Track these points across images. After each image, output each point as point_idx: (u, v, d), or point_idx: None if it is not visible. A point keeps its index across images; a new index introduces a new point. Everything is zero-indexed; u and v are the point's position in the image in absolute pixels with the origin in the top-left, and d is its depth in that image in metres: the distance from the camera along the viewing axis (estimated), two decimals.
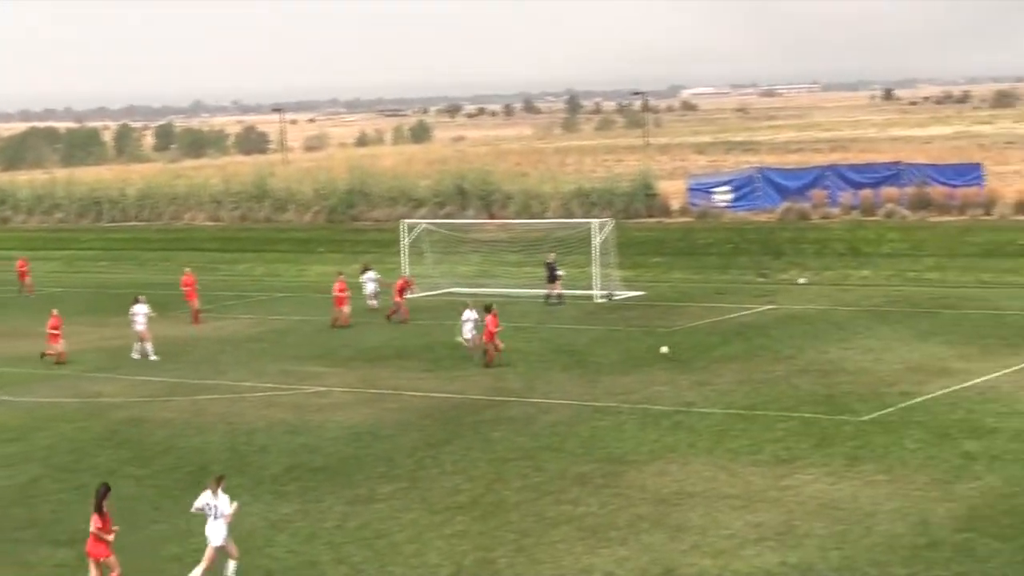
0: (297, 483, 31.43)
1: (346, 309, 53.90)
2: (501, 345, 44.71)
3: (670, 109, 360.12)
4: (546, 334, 50.66)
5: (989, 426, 34.11)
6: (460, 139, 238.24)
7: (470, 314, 45.81)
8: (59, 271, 79.74)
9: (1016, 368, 41.03)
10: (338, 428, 36.90)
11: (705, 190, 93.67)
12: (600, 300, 58.40)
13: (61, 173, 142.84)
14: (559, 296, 57.49)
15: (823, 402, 37.54)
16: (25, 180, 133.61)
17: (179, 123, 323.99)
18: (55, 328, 48.23)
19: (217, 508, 24.85)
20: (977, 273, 62.03)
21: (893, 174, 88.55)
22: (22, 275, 69.35)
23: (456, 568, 25.50)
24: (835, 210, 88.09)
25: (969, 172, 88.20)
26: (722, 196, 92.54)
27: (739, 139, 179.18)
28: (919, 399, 37.41)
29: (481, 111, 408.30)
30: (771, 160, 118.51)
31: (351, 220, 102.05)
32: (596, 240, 60.16)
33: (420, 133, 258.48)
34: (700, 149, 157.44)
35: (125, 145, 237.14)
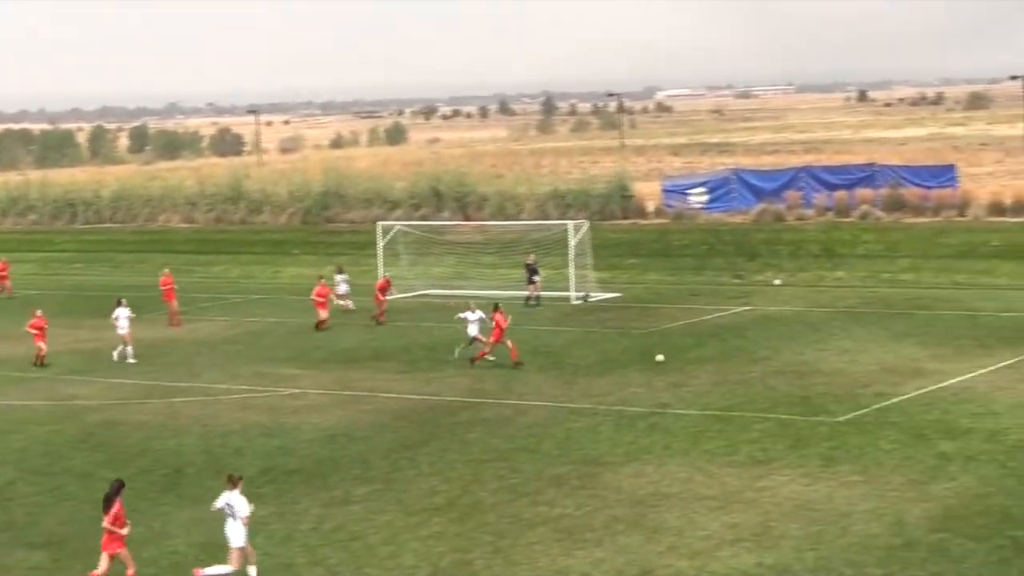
0: (272, 485, 31.35)
1: (323, 313, 53.69)
2: (511, 343, 44.51)
3: (645, 111, 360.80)
4: (522, 335, 50.56)
5: (964, 427, 34.23)
6: (435, 141, 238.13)
7: (470, 315, 45.60)
8: (33, 273, 79.41)
9: (990, 369, 41.20)
10: (313, 430, 36.84)
11: (680, 191, 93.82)
12: (576, 302, 58.43)
13: (35, 175, 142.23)
14: (536, 298, 57.48)
15: (799, 403, 37.62)
16: None
17: (154, 125, 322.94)
18: (38, 328, 48.01)
19: (234, 509, 24.77)
20: (951, 274, 62.27)
21: (867, 175, 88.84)
22: (1, 277, 69.03)
23: (432, 570, 25.48)
24: (810, 211, 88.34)
25: (943, 174, 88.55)
26: (697, 197, 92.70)
27: (714, 140, 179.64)
28: (894, 400, 37.53)
29: (456, 113, 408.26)
30: (746, 161, 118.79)
31: (326, 222, 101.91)
32: (572, 242, 60.18)
33: (395, 135, 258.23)
34: (675, 151, 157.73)
35: (99, 147, 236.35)
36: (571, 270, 59.59)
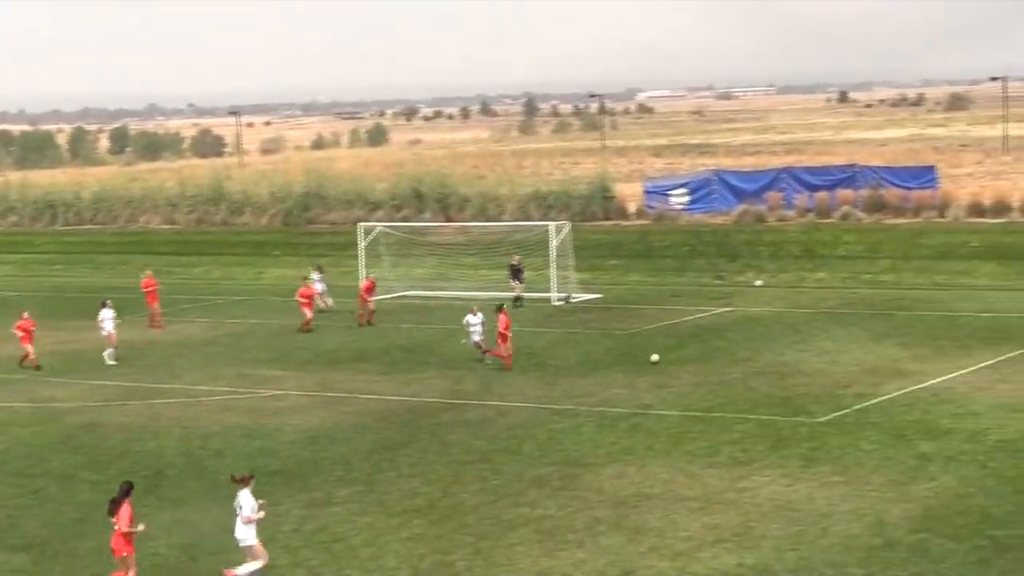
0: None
1: (308, 314, 53.55)
2: (498, 351, 44.50)
3: (627, 112, 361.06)
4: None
5: (944, 427, 34.34)
6: (417, 142, 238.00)
7: (472, 318, 45.48)
8: (13, 275, 79.21)
9: (970, 369, 41.33)
10: (295, 431, 36.80)
11: (662, 192, 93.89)
12: (557, 303, 58.45)
13: (15, 176, 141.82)
14: (518, 298, 57.46)
15: (779, 404, 37.69)
16: None
17: (134, 126, 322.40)
18: (24, 330, 47.82)
19: (240, 507, 24.86)
20: (931, 275, 62.45)
21: (848, 176, 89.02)
22: None
23: (413, 571, 25.47)
24: (791, 212, 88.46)
25: (923, 175, 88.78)
26: (678, 199, 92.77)
27: (695, 142, 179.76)
28: (874, 400, 37.63)
29: (438, 114, 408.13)
30: (727, 163, 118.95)
31: (307, 223, 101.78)
32: (553, 243, 60.21)
33: (377, 136, 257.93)
34: (657, 152, 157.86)
35: (80, 148, 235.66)
36: (553, 271, 59.61)
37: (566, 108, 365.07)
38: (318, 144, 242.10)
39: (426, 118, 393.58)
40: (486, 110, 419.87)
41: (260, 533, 25.23)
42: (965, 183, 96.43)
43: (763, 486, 29.79)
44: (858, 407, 36.90)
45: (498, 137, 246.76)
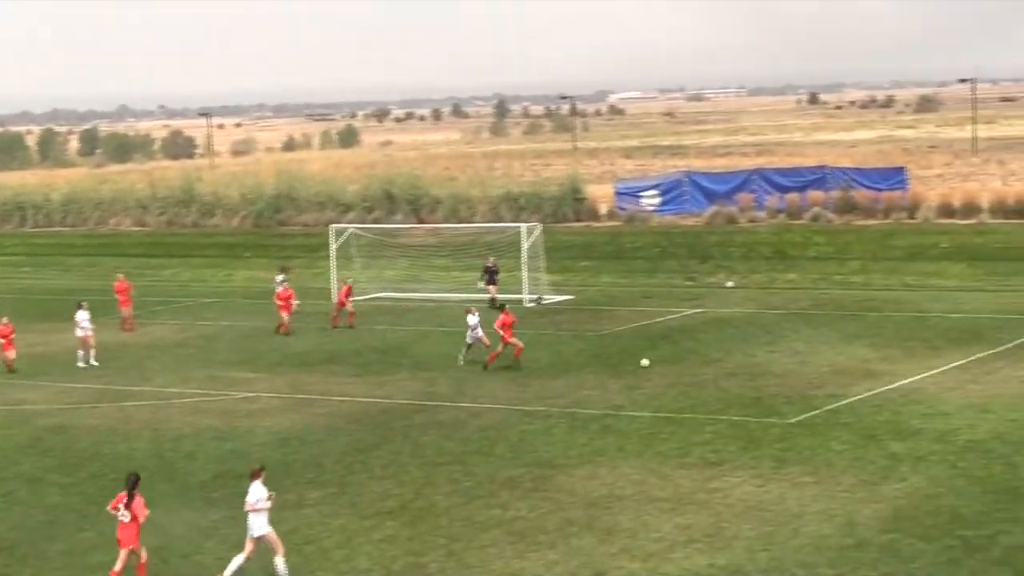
0: (225, 489, 31.22)
1: (286, 316, 53.28)
2: (498, 347, 44.36)
3: (598, 113, 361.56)
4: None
5: (914, 427, 34.48)
6: (388, 143, 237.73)
7: (472, 318, 45.33)
8: None
9: (940, 370, 41.50)
10: (266, 433, 36.72)
11: (633, 194, 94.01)
12: (529, 304, 58.45)
13: None
14: (492, 300, 57.42)
15: (751, 405, 37.78)
16: None
17: (104, 127, 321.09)
18: (4, 336, 47.52)
19: (249, 497, 25.06)
20: (901, 276, 62.68)
21: (819, 178, 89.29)
22: None
23: (386, 573, 25.45)
24: (762, 214, 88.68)
25: (893, 176, 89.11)
26: (650, 200, 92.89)
27: (666, 143, 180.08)
28: (845, 401, 37.75)
29: (409, 116, 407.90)
30: (698, 164, 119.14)
31: (278, 225, 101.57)
32: (524, 244, 60.21)
33: (348, 138, 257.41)
34: (628, 153, 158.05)
35: (49, 150, 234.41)
36: (524, 273, 59.61)
37: (537, 110, 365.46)
38: (289, 146, 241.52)
39: (398, 119, 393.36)
40: (457, 111, 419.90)
41: (231, 536, 25.18)
42: (934, 184, 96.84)
43: (735, 487, 29.86)
44: (829, 408, 37.02)
45: (469, 139, 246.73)
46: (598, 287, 64.15)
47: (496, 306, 56.59)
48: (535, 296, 59.03)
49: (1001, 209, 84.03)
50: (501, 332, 44.11)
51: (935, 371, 41.35)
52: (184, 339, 53.19)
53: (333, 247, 63.92)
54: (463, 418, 37.59)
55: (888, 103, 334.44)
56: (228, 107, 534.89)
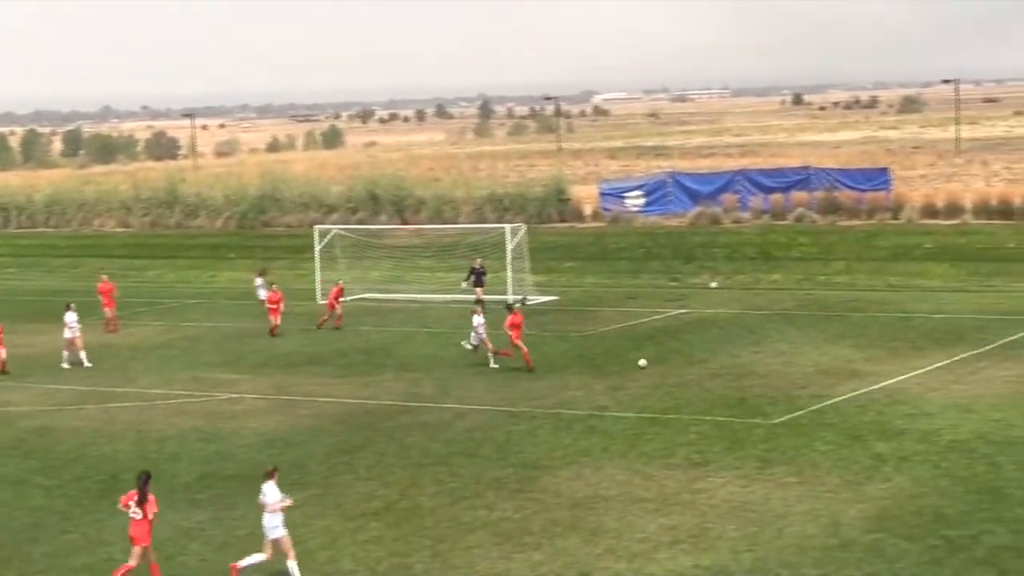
0: (210, 491, 31.18)
1: (276, 319, 53.05)
2: (507, 350, 44.30)
3: (582, 114, 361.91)
4: (460, 339, 50.65)
5: (898, 428, 34.55)
6: (372, 144, 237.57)
7: (476, 319, 45.13)
8: None
9: (923, 370, 41.59)
10: (251, 435, 36.67)
11: (617, 195, 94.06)
12: (514, 305, 58.35)
13: None
14: (479, 301, 57.34)
15: (735, 405, 37.82)
16: None
17: (88, 128, 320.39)
18: None
19: (264, 498, 25.09)
20: (885, 276, 62.80)
21: (803, 179, 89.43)
22: None
23: (371, 574, 25.44)
24: (746, 214, 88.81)
25: (877, 177, 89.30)
26: (634, 201, 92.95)
27: (651, 144, 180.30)
28: (829, 401, 37.81)
29: (393, 116, 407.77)
30: (683, 165, 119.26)
31: (262, 226, 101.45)
32: (509, 245, 60.22)
33: (332, 138, 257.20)
34: (612, 154, 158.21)
35: (33, 150, 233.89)
36: (508, 273, 59.63)
37: (522, 110, 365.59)
38: (273, 147, 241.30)
39: (382, 120, 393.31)
40: (442, 112, 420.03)
41: (215, 538, 25.14)
42: (918, 185, 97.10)
43: (719, 487, 29.90)
44: (813, 408, 37.08)
45: (454, 139, 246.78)
46: (583, 288, 64.18)
47: (484, 308, 56.63)
48: (519, 297, 58.98)
49: (984, 209, 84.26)
50: (510, 333, 43.99)
51: (919, 371, 41.45)
52: (168, 340, 53.10)
53: (317, 248, 63.88)
54: (448, 419, 37.58)
55: (872, 104, 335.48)
56: (212, 108, 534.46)
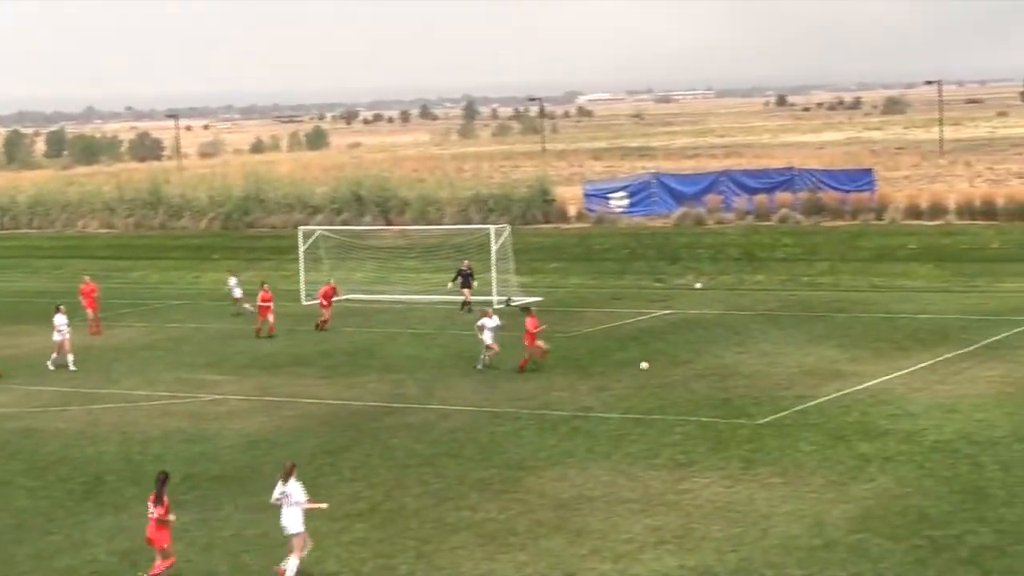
0: (194, 492, 31.13)
1: (271, 318, 52.93)
2: (546, 346, 44.21)
3: (567, 115, 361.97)
4: (445, 340, 50.68)
5: (882, 428, 34.62)
6: (357, 145, 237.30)
7: (488, 321, 44.91)
8: None
9: (907, 371, 41.68)
10: (235, 436, 36.62)
11: (602, 196, 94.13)
12: (498, 306, 58.39)
13: None
14: (467, 303, 57.36)
15: (719, 406, 37.86)
16: None
17: (71, 129, 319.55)
18: None
19: (290, 496, 25.11)
20: (869, 277, 62.93)
21: (787, 180, 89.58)
22: None
23: (355, 575, 25.40)
24: (730, 215, 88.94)
25: (861, 178, 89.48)
26: (618, 202, 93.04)
27: (635, 145, 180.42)
28: (813, 402, 37.87)
29: (378, 117, 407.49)
30: (667, 166, 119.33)
31: (247, 227, 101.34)
32: (493, 246, 60.22)
33: (316, 139, 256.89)
34: (596, 155, 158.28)
35: (16, 151, 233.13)
36: (493, 274, 59.63)
37: (506, 111, 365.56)
38: (257, 148, 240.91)
39: (366, 121, 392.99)
40: (426, 113, 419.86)
41: (200, 539, 25.11)
42: (902, 186, 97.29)
43: (704, 488, 29.93)
44: (797, 409, 37.14)
45: (438, 140, 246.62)
46: (567, 288, 64.20)
47: (467, 310, 56.67)
48: (504, 298, 59.02)
49: (968, 210, 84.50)
50: (536, 333, 43.85)
51: (903, 372, 41.53)
52: (152, 341, 52.99)
53: (302, 249, 63.81)
54: (432, 420, 37.57)
55: (855, 105, 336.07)
56: (196, 109, 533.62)
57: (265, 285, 54.37)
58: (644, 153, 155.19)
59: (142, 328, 56.65)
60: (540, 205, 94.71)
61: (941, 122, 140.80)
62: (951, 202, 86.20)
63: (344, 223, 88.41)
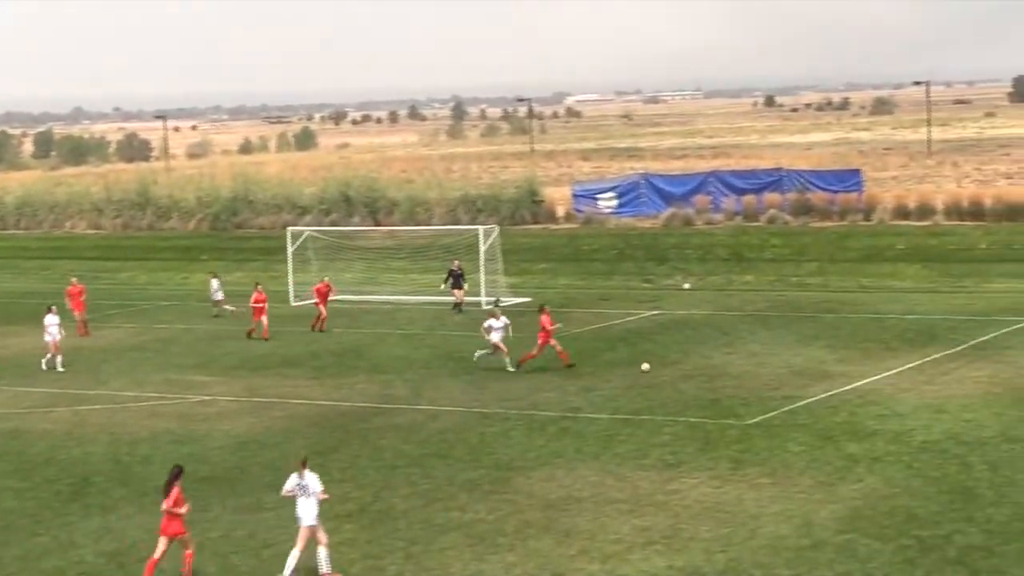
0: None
1: (264, 320, 52.75)
2: (561, 348, 44.12)
3: (555, 116, 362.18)
4: (433, 340, 50.67)
5: (870, 428, 34.66)
6: (345, 146, 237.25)
7: (495, 322, 44.68)
8: None
9: (895, 371, 41.74)
10: (224, 437, 36.57)
11: (590, 196, 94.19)
12: (487, 307, 58.39)
13: None
14: (459, 304, 57.33)
15: (708, 406, 37.88)
16: None
17: (59, 130, 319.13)
18: None
19: (307, 487, 25.24)
20: (857, 277, 63.01)
21: (775, 180, 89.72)
22: None
23: None
24: (718, 216, 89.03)
25: (849, 178, 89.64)
26: (607, 202, 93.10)
27: (623, 145, 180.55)
28: (802, 402, 37.90)
29: (366, 118, 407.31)
30: (655, 166, 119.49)
31: (235, 228, 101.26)
32: (482, 247, 60.22)
33: (304, 140, 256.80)
34: (585, 156, 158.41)
35: (3, 152, 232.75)
36: (482, 275, 59.63)
37: (495, 112, 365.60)
38: (246, 148, 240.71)
39: (354, 122, 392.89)
40: (414, 114, 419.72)
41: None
42: (890, 186, 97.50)
43: (692, 488, 29.94)
44: (786, 409, 37.17)
45: (427, 141, 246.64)
46: (556, 289, 64.21)
47: (458, 311, 56.69)
48: (492, 298, 58.98)
49: (955, 211, 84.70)
50: (550, 330, 43.80)
51: (891, 372, 41.59)
52: (140, 342, 52.92)
53: (290, 250, 63.76)
54: (421, 421, 37.55)
55: (843, 105, 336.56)
56: (184, 110, 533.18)
57: (259, 286, 54.12)
58: (632, 154, 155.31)
59: (130, 329, 56.57)
60: (528, 206, 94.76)
61: (929, 123, 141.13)
62: (939, 203, 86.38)
63: (332, 224, 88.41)
